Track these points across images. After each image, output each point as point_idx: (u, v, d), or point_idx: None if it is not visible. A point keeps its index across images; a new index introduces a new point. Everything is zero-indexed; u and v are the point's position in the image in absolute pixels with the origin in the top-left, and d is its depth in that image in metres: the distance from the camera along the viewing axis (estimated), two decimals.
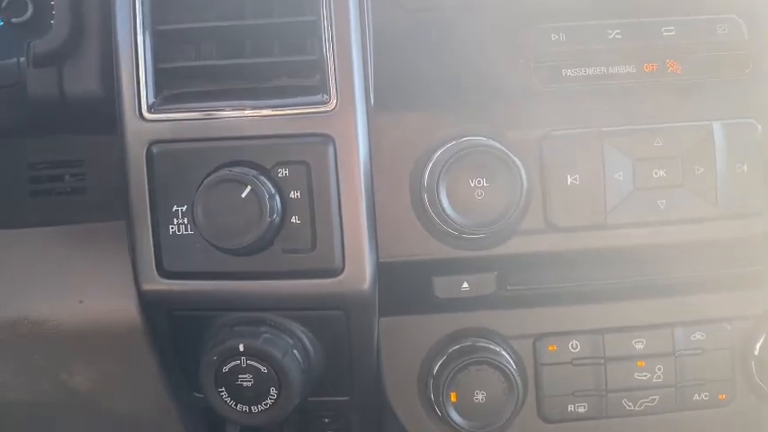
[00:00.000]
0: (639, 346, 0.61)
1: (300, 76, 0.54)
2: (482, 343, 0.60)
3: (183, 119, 0.54)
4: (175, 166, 0.54)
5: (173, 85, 0.56)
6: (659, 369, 0.61)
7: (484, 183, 0.51)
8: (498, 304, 0.60)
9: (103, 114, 0.61)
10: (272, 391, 0.54)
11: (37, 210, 0.67)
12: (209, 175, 0.52)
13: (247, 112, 0.53)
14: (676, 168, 0.54)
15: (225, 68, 0.55)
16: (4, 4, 0.71)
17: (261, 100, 0.54)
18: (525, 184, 0.52)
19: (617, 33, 0.55)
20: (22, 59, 0.62)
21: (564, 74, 0.55)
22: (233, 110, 0.53)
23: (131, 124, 0.55)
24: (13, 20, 0.70)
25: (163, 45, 0.56)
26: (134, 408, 0.71)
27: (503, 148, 0.52)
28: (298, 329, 0.55)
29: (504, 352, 0.59)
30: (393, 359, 0.60)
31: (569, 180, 0.54)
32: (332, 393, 0.61)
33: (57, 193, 0.68)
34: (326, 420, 0.65)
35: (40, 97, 0.60)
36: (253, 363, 0.53)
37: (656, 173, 0.54)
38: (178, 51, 0.57)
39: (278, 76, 0.55)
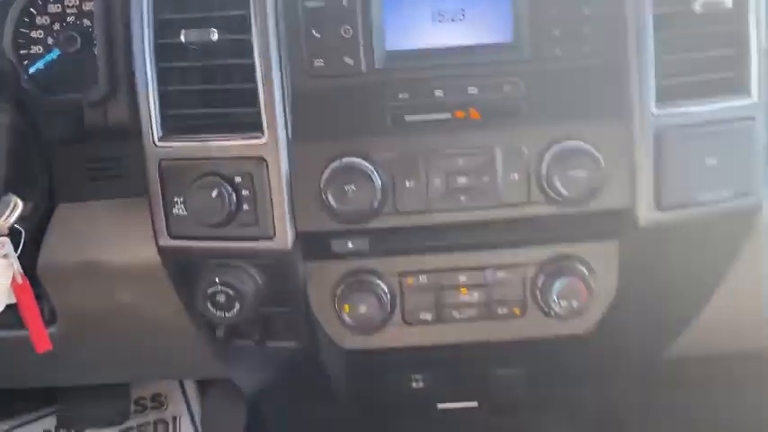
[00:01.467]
0: (463, 280, 0.92)
1: (244, 120, 0.86)
2: (368, 277, 0.95)
3: (180, 146, 0.86)
4: (175, 174, 0.84)
5: (172, 123, 0.88)
6: (475, 293, 0.93)
7: (353, 186, 0.84)
8: (378, 254, 0.93)
9: (134, 132, 0.94)
10: (236, 304, 0.88)
11: (95, 190, 0.97)
12: (194, 180, 0.85)
13: (217, 143, 0.86)
14: (471, 177, 0.85)
15: (205, 115, 0.89)
16: (61, 39, 0.98)
17: (227, 134, 0.86)
18: (379, 186, 0.85)
19: (440, 92, 0.85)
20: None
21: (406, 119, 0.85)
22: (210, 141, 0.86)
23: (149, 149, 0.85)
24: (69, 50, 0.97)
25: (166, 97, 0.90)
26: (162, 317, 1.03)
27: (365, 164, 0.83)
28: (252, 270, 0.90)
29: (379, 281, 0.94)
30: (315, 286, 0.93)
31: (407, 184, 0.85)
32: (280, 305, 0.95)
33: (107, 177, 0.97)
34: (281, 323, 0.99)
35: (92, 125, 0.89)
36: (224, 288, 0.88)
37: (459, 180, 0.85)
38: (176, 100, 0.92)
39: (236, 117, 0.88)
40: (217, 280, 0.88)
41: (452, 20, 0.87)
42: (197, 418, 1.79)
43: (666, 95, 0.86)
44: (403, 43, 0.88)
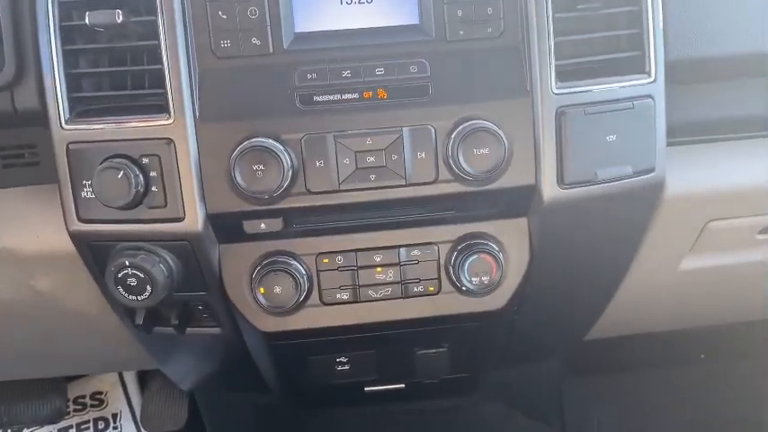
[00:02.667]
0: (378, 259, 0.94)
1: (151, 101, 0.87)
2: (283, 258, 0.96)
3: (86, 129, 0.86)
4: (83, 157, 0.83)
5: (80, 106, 0.88)
6: (390, 272, 0.94)
7: (261, 167, 0.85)
8: (294, 236, 0.94)
9: (45, 117, 0.94)
10: (148, 287, 0.88)
11: (8, 178, 0.96)
12: (101, 163, 0.86)
13: (124, 125, 0.85)
14: (380, 156, 0.86)
15: (112, 97, 0.89)
16: None
17: (132, 115, 0.86)
18: (290, 166, 0.85)
19: (348, 73, 0.86)
20: None
21: (315, 99, 0.86)
22: (117, 123, 0.86)
23: (56, 132, 0.85)
24: None
25: (73, 79, 0.89)
26: (81, 306, 1.04)
27: (273, 144, 0.84)
28: (164, 253, 0.89)
29: (295, 262, 0.95)
30: (230, 269, 0.93)
31: (317, 163, 0.86)
32: (194, 290, 0.95)
33: (20, 165, 0.96)
34: (200, 308, 1.00)
35: (1, 110, 0.90)
36: (134, 271, 0.88)
37: (368, 159, 0.86)
38: (84, 82, 0.91)
39: (144, 98, 0.88)
40: (126, 263, 0.88)
41: (360, 2, 0.88)
42: (138, 414, 1.78)
43: (567, 75, 0.89)
44: (311, 25, 0.88)
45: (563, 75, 0.88)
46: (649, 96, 0.91)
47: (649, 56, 0.91)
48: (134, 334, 1.09)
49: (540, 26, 0.87)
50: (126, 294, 0.89)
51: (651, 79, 0.91)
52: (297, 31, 0.88)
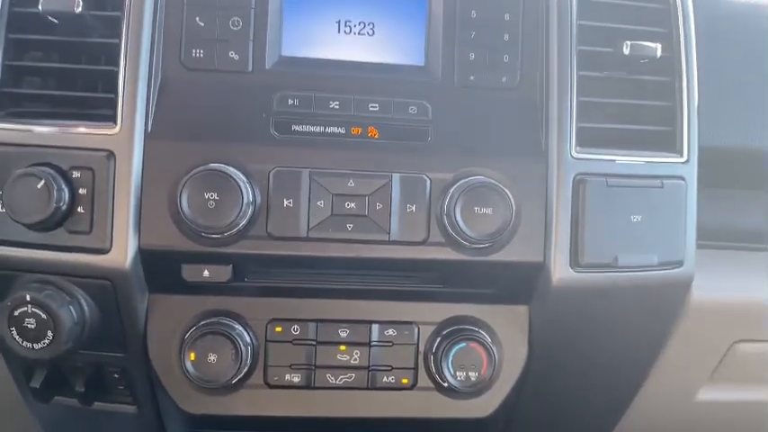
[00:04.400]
0: (343, 335, 0.78)
1: (101, 107, 0.74)
2: (225, 320, 0.78)
3: (11, 128, 0.71)
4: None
5: (12, 104, 0.74)
6: (356, 354, 0.78)
7: (215, 196, 0.70)
8: (243, 292, 0.77)
9: None
10: (49, 333, 0.69)
11: None
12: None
13: (53, 129, 0.71)
14: (363, 203, 0.72)
15: (45, 96, 0.75)
16: None
17: (64, 120, 0.72)
18: (250, 201, 0.71)
19: (336, 104, 0.75)
20: None
21: (293, 128, 0.73)
22: (43, 126, 0.72)
23: None
24: None
25: (12, 73, 0.76)
26: None
27: (235, 172, 0.70)
28: (77, 291, 0.72)
29: (239, 327, 0.77)
30: (157, 327, 0.76)
31: (285, 203, 0.72)
32: (110, 349, 0.77)
33: None
34: (116, 376, 0.82)
35: None
36: (36, 310, 0.70)
37: (348, 204, 0.72)
38: (25, 80, 0.78)
39: (81, 105, 0.75)
40: (27, 298, 0.69)
41: (360, 33, 0.78)
42: None
43: (588, 141, 0.76)
44: (301, 49, 0.77)
45: (584, 140, 0.76)
46: (681, 178, 0.78)
47: (682, 133, 0.79)
48: (29, 405, 0.87)
49: (563, 82, 0.76)
50: (19, 340, 0.70)
51: (684, 159, 0.79)
52: (283, 53, 0.76)
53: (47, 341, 0.70)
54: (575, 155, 0.75)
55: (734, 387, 0.96)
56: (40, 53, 0.76)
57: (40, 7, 0.72)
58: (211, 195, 0.69)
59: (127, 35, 0.72)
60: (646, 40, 0.78)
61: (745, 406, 0.98)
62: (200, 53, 0.74)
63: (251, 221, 0.71)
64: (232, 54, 0.74)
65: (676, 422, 0.99)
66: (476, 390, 0.77)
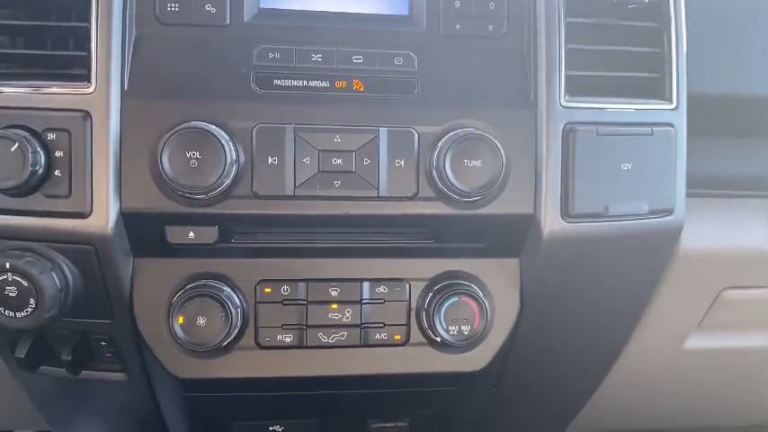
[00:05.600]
0: (334, 294, 0.77)
1: (74, 66, 0.71)
2: (213, 283, 0.77)
3: None
4: None
5: None
6: (348, 312, 0.77)
7: (197, 155, 0.68)
8: (230, 254, 0.76)
9: None
10: (32, 301, 0.68)
11: None
12: None
13: (25, 90, 0.68)
14: (350, 159, 0.71)
15: (16, 56, 0.72)
16: None
17: (37, 81, 0.69)
18: (234, 159, 0.69)
19: (318, 57, 0.73)
20: None
21: (275, 83, 0.71)
22: (15, 87, 0.69)
23: None
24: None
25: None
26: None
27: (217, 130, 0.68)
28: (58, 258, 0.70)
29: (228, 289, 0.76)
30: (143, 292, 0.75)
31: (270, 160, 0.70)
32: (95, 316, 0.75)
33: None
34: (102, 343, 0.81)
35: None
36: (16, 278, 0.68)
37: (335, 161, 0.71)
38: None
39: (53, 64, 0.72)
40: (7, 265, 0.67)
41: None
42: None
43: (577, 89, 0.75)
44: (281, 1, 0.74)
45: (573, 88, 0.75)
46: (670, 125, 0.77)
47: (671, 80, 0.78)
48: (16, 376, 0.85)
49: (550, 29, 0.74)
50: (2, 309, 0.68)
51: (673, 106, 0.78)
52: (262, 5, 0.74)
53: (29, 309, 0.69)
54: (564, 104, 0.74)
55: (721, 334, 0.97)
56: (7, 11, 0.73)
57: None
58: (193, 154, 0.67)
59: None
60: None
61: (732, 353, 0.99)
62: (175, 7, 0.71)
63: (235, 180, 0.69)
64: (208, 7, 0.71)
65: (664, 371, 1.01)
66: (468, 344, 0.76)
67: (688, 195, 0.81)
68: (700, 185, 0.88)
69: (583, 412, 1.02)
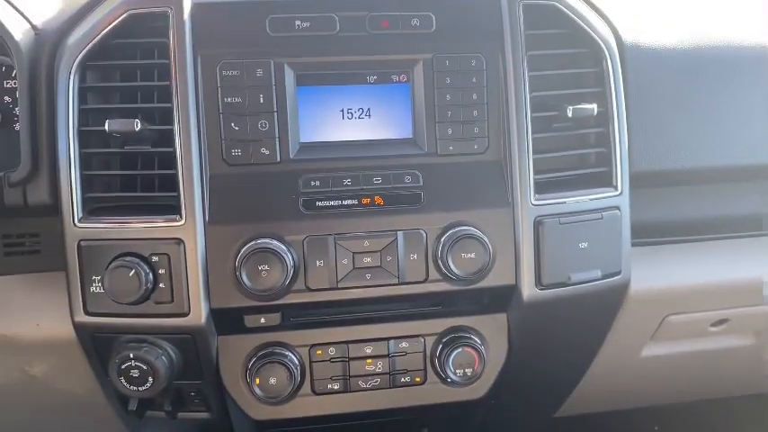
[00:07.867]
0: (369, 350, 1.00)
1: (166, 201, 0.92)
2: (278, 350, 1.01)
3: (98, 227, 0.90)
4: (94, 254, 0.88)
5: (91, 204, 0.92)
6: (380, 364, 1.00)
7: (265, 267, 0.91)
8: (289, 328, 0.99)
9: (52, 210, 0.98)
10: (150, 378, 0.91)
11: (9, 265, 1.00)
12: (112, 260, 0.89)
13: (135, 225, 0.91)
14: (377, 257, 0.93)
15: (125, 198, 0.94)
16: None
17: (142, 216, 0.91)
18: (291, 265, 0.90)
19: (348, 181, 0.94)
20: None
21: (317, 204, 0.93)
22: (129, 223, 0.90)
23: (68, 229, 0.90)
24: None
25: (87, 180, 0.93)
26: (73, 390, 1.06)
27: (278, 245, 0.90)
28: (165, 345, 0.93)
29: (289, 353, 1.00)
30: (226, 359, 0.98)
31: (318, 263, 0.92)
32: (190, 378, 0.98)
33: (21, 253, 1.01)
34: (193, 394, 1.04)
35: (12, 204, 0.94)
36: (138, 363, 0.91)
37: (365, 260, 0.93)
38: (95, 182, 0.96)
39: (152, 198, 0.94)
40: (131, 355, 0.91)
41: (359, 117, 0.97)
42: None
43: (544, 188, 0.99)
44: (315, 135, 0.96)
45: (540, 187, 0.98)
46: (617, 207, 1.01)
47: (616, 171, 1.02)
48: (122, 417, 1.11)
49: (521, 145, 0.97)
50: (128, 385, 0.92)
51: (618, 192, 1.02)
52: (302, 141, 0.96)
53: (148, 384, 0.92)
54: (534, 202, 0.97)
55: (669, 344, 1.23)
56: (103, 160, 0.95)
57: (106, 128, 0.90)
58: (263, 267, 0.90)
59: (180, 143, 0.90)
60: (585, 101, 0.99)
61: (679, 357, 1.26)
62: (238, 152, 0.93)
63: (293, 279, 0.92)
64: (263, 150, 0.93)
65: (627, 373, 1.27)
66: (470, 381, 1.01)
67: (634, 245, 1.05)
68: (644, 234, 1.12)
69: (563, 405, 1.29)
